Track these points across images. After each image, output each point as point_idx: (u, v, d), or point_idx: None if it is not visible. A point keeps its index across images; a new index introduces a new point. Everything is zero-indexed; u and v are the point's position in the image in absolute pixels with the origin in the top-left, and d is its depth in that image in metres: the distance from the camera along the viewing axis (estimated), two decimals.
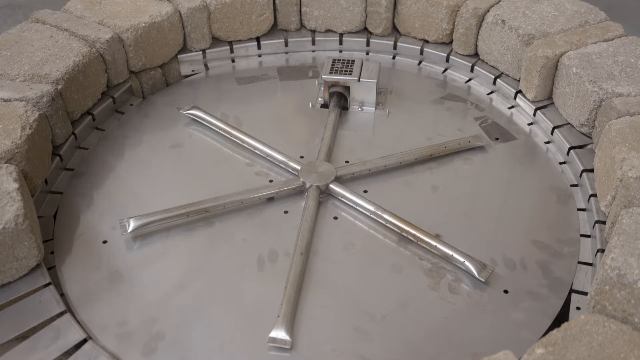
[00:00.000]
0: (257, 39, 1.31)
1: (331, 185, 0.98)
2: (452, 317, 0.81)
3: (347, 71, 1.15)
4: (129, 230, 0.91)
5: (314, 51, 1.33)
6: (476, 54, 1.26)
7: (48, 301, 0.80)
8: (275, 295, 0.83)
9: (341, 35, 1.33)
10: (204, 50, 1.27)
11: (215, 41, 1.28)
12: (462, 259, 0.86)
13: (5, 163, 0.86)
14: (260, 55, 1.31)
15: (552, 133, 1.09)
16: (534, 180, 1.02)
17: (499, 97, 1.20)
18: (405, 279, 0.86)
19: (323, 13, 1.30)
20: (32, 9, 1.23)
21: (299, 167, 1.01)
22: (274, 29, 1.33)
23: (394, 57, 1.32)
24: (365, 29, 1.33)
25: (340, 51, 1.33)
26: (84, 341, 0.76)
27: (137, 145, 1.09)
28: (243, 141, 1.08)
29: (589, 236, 0.92)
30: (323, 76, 1.15)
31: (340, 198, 0.98)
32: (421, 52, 1.30)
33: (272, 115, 1.16)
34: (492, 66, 1.23)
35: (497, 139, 1.10)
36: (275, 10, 1.30)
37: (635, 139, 0.88)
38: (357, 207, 0.96)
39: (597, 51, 1.06)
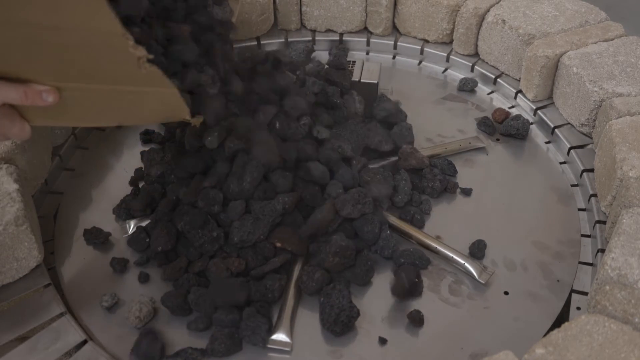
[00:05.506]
0: (257, 39, 1.31)
1: None
2: (453, 319, 0.81)
3: None
4: (130, 231, 0.91)
5: (314, 51, 1.32)
6: (476, 54, 1.26)
7: (48, 302, 0.80)
8: None
9: (341, 34, 1.33)
10: None
11: None
12: (462, 261, 0.86)
13: (5, 164, 0.86)
14: None
15: (552, 133, 1.09)
16: (535, 181, 1.02)
17: (499, 97, 1.20)
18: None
19: (323, 13, 1.30)
20: None
21: None
22: (274, 29, 1.33)
23: (394, 57, 1.31)
24: (366, 28, 1.33)
25: None
26: (84, 342, 0.76)
27: (137, 145, 1.09)
28: None
29: (589, 236, 0.92)
30: None
31: None
32: (421, 52, 1.30)
33: None
34: (492, 66, 1.23)
35: (497, 139, 1.10)
36: (275, 10, 1.30)
37: (635, 139, 0.88)
38: None
39: (598, 51, 1.06)
